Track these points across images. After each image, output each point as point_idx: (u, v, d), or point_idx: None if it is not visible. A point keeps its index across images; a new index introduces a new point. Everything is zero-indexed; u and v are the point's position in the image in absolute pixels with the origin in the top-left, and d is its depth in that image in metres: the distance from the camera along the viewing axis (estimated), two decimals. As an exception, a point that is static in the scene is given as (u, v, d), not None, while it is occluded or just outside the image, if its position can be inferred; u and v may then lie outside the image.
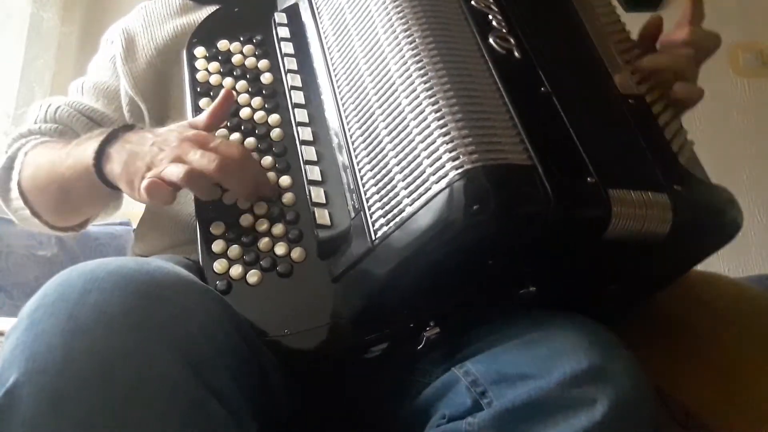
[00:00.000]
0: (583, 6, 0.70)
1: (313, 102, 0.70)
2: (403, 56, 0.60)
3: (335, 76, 0.68)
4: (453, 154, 0.54)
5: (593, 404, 0.53)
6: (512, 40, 0.62)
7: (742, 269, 1.80)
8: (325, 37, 0.71)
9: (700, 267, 0.67)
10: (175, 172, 0.62)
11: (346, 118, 0.65)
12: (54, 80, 1.86)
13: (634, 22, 0.75)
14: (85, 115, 0.87)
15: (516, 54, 0.61)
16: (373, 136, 0.61)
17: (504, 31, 0.62)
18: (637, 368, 0.57)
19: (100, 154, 0.70)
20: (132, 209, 0.99)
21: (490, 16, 0.63)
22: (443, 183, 0.53)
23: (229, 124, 0.71)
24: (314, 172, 0.66)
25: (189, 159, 0.62)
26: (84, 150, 0.72)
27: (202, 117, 0.68)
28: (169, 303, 0.52)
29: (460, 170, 0.53)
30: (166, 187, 0.62)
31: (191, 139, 0.64)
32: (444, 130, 0.55)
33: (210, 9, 0.86)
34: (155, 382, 0.48)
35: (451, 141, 0.54)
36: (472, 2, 0.63)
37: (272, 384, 0.60)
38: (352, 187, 0.62)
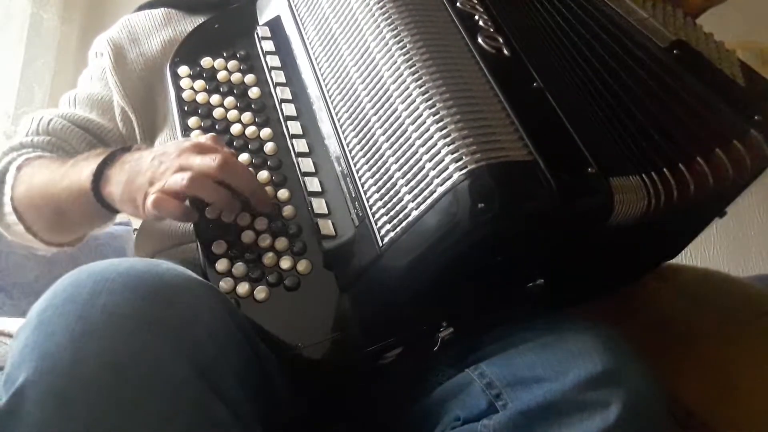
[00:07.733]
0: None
1: (305, 114, 0.70)
2: (395, 61, 0.60)
3: (326, 86, 0.68)
4: (455, 155, 0.54)
5: (607, 407, 0.54)
6: (500, 39, 0.63)
7: (742, 269, 1.78)
8: (312, 48, 0.71)
9: (700, 266, 0.68)
10: (178, 180, 0.61)
11: (341, 126, 0.65)
12: (54, 80, 1.83)
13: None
14: (80, 126, 0.85)
15: (505, 52, 0.62)
16: (371, 143, 0.61)
17: (491, 30, 0.63)
18: (649, 371, 0.58)
19: (98, 177, 0.69)
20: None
21: (477, 17, 0.64)
22: (448, 184, 0.54)
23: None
24: (313, 184, 0.66)
25: (190, 164, 0.62)
26: (80, 172, 0.71)
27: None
28: (177, 305, 0.51)
29: (463, 171, 0.53)
30: (173, 200, 0.61)
31: (189, 148, 0.64)
32: (444, 132, 0.55)
33: (195, 19, 0.85)
34: (162, 385, 0.48)
35: (453, 142, 0.55)
36: (458, 4, 0.64)
37: (277, 387, 0.60)
38: (353, 195, 0.62)
